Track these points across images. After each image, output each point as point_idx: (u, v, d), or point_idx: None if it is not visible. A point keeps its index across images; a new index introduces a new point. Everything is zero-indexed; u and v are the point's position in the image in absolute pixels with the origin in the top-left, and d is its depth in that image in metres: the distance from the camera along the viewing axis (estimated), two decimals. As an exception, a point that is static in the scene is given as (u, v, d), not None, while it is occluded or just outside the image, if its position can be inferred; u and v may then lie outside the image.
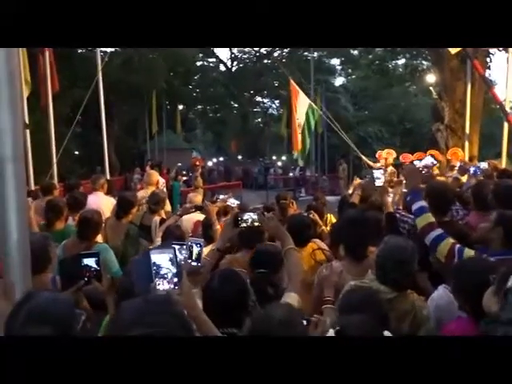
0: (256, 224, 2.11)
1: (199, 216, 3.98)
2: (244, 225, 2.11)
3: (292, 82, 8.58)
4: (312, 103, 8.36)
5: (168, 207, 4.71)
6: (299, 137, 8.28)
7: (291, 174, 20.86)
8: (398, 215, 3.03)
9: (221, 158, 32.01)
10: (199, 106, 30.82)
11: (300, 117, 8.21)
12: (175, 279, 1.38)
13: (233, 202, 4.05)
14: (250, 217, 2.10)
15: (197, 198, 4.82)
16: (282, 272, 2.17)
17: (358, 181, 4.59)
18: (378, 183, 3.46)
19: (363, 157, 8.07)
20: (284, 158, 25.72)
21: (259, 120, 35.45)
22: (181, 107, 25.41)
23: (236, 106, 31.30)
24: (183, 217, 3.93)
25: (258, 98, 33.05)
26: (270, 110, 34.66)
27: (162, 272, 1.65)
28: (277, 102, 32.44)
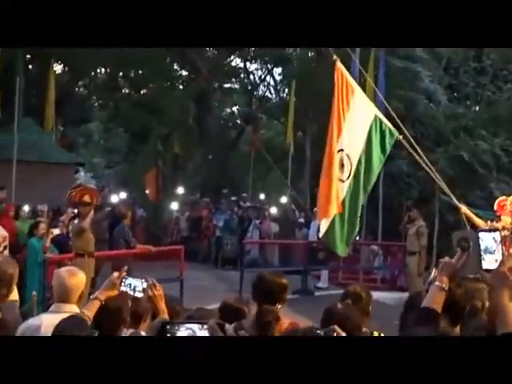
0: None
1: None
2: None
3: (340, 65, 7.81)
4: (379, 115, 8.11)
5: (14, 295, 4.87)
6: (336, 187, 8.13)
7: (299, 235, 21.31)
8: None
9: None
10: (101, 70, 31.67)
11: (349, 143, 8.18)
12: None
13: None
14: None
15: (75, 279, 4.94)
16: None
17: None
18: (489, 264, 3.52)
19: (463, 207, 8.30)
20: (286, 198, 25.79)
21: (234, 109, 35.81)
22: (59, 69, 26.14)
23: (182, 73, 32.20)
24: (45, 323, 4.19)
25: (237, 61, 33.95)
26: (261, 89, 35.18)
27: None
28: (277, 71, 33.09)
